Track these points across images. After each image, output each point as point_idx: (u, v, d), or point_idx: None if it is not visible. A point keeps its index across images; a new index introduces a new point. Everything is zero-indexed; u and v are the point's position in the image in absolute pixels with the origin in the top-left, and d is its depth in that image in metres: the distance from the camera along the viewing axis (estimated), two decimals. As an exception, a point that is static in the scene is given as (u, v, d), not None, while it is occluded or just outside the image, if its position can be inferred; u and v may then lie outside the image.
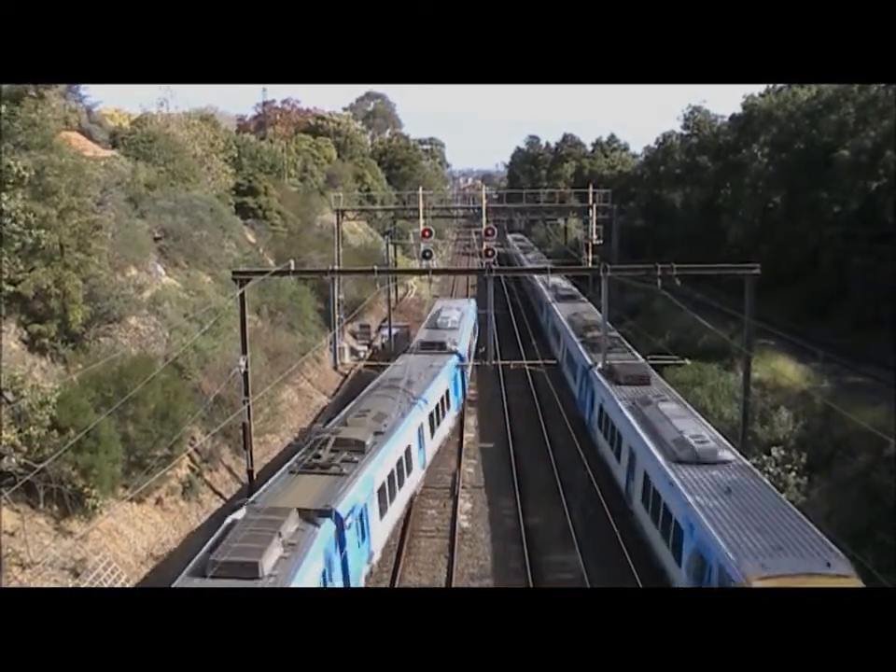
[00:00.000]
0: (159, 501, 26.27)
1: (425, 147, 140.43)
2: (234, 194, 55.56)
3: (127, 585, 22.06)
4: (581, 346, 39.22)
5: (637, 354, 36.76)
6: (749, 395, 30.52)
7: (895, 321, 35.68)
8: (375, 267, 41.74)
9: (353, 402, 29.93)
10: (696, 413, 27.96)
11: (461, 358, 38.84)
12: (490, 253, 40.24)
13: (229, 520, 19.17)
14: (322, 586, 18.31)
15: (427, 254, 40.43)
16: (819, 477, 27.49)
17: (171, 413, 25.42)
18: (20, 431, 20.02)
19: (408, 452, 27.56)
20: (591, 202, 55.85)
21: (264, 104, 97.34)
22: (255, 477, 29.86)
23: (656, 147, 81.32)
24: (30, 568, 19.70)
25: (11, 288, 24.00)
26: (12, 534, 20.12)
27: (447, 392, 34.78)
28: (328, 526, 19.31)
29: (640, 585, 20.77)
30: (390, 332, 52.02)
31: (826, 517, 23.04)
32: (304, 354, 40.42)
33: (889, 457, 25.34)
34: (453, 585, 24.29)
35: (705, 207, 63.53)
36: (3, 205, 22.60)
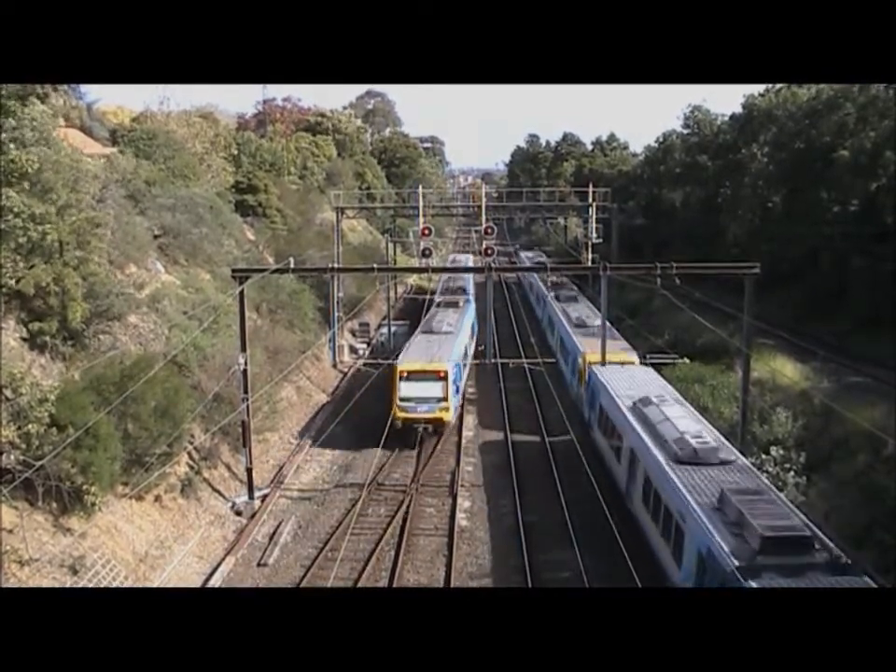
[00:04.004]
0: (158, 499, 26.30)
1: (425, 145, 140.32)
2: (234, 192, 55.50)
3: (125, 583, 22.07)
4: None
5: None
6: (749, 394, 30.56)
7: (895, 321, 35.66)
8: (375, 265, 41.80)
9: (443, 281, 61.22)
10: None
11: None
12: (489, 252, 40.24)
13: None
14: None
15: (427, 252, 40.54)
16: (817, 477, 27.50)
17: (170, 410, 25.44)
18: (19, 428, 20.02)
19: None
20: (591, 200, 55.87)
21: (264, 102, 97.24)
22: (253, 475, 29.96)
23: (656, 146, 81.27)
24: (29, 566, 19.72)
25: (13, 283, 23.96)
26: (11, 531, 20.12)
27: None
28: (469, 301, 52.52)
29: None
30: (389, 330, 52.02)
31: (825, 516, 23.05)
32: (304, 352, 40.43)
33: (889, 457, 25.36)
34: (451, 584, 24.29)
35: (704, 206, 63.48)
36: (6, 201, 22.59)
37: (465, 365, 41.94)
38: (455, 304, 50.38)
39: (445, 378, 35.54)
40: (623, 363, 35.83)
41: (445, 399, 35.40)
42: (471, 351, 46.21)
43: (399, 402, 34.94)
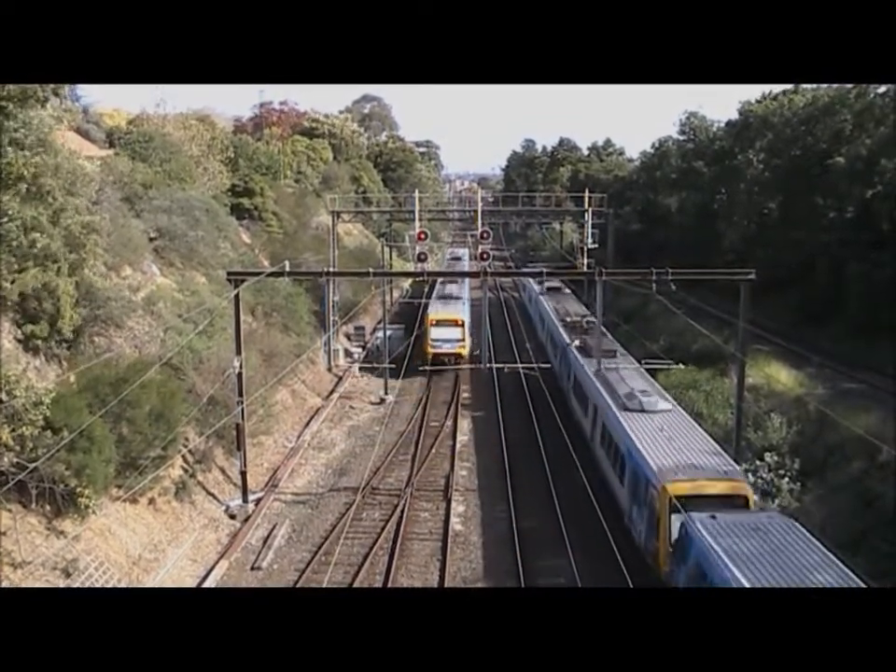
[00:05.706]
0: (151, 502, 26.21)
1: (421, 149, 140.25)
2: (230, 195, 55.40)
3: (119, 586, 21.97)
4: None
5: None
6: (743, 400, 30.55)
7: (890, 327, 35.72)
8: (370, 269, 41.76)
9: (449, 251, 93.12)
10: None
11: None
12: (485, 256, 40.27)
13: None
14: None
15: (423, 256, 40.50)
16: (812, 483, 27.51)
17: (165, 413, 25.36)
18: (13, 431, 19.92)
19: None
20: (587, 206, 55.87)
21: (261, 105, 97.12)
22: (248, 478, 29.87)
23: (652, 151, 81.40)
24: (21, 568, 19.62)
25: (9, 286, 23.82)
26: (4, 533, 20.02)
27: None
28: (465, 283, 61.50)
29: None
30: (385, 335, 51.93)
31: (819, 523, 23.04)
32: (299, 355, 40.36)
33: (883, 464, 25.37)
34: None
35: (700, 212, 63.58)
36: (2, 205, 22.47)
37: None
38: (455, 282, 61.32)
39: (462, 325, 49.12)
40: (726, 496, 21.31)
41: (463, 339, 48.74)
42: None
43: (430, 342, 48.47)
